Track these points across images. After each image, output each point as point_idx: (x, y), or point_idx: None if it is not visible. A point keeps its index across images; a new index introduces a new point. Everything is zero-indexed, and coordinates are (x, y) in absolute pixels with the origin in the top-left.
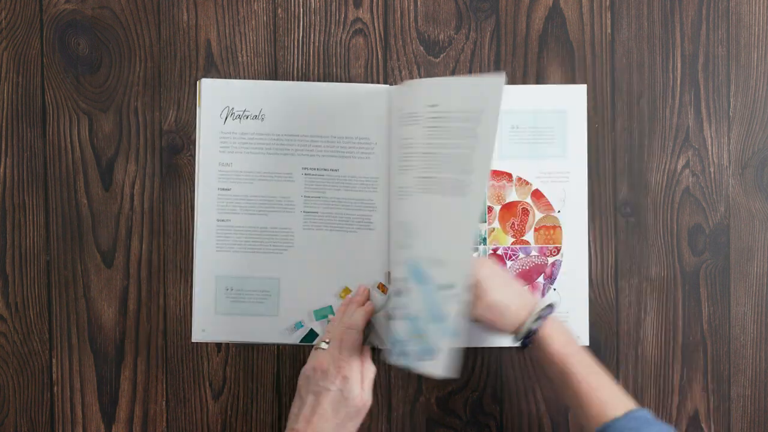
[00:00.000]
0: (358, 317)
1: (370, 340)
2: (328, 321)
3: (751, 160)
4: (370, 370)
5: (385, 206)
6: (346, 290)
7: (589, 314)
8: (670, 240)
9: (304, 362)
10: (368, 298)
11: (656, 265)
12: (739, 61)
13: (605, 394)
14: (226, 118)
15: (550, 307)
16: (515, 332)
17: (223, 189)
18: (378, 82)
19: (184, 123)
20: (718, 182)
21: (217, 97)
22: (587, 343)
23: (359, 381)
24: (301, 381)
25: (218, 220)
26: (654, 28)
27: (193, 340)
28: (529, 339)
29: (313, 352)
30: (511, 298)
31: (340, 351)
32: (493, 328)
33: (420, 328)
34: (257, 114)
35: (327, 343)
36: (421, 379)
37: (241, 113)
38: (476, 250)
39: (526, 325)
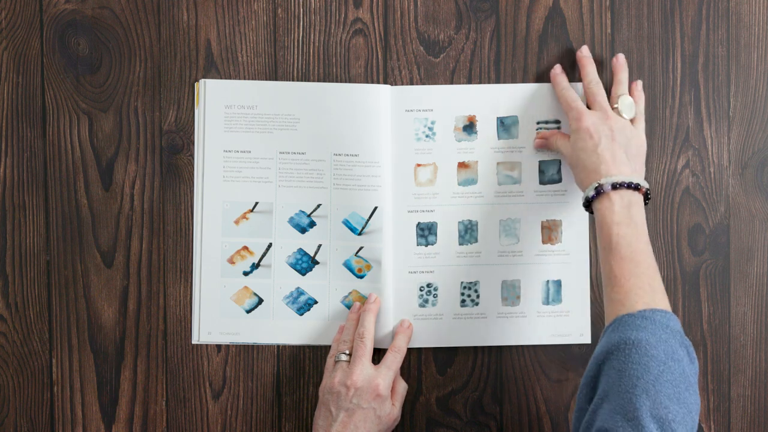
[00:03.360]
0: (371, 326)
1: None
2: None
3: (751, 160)
4: (403, 386)
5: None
6: (356, 295)
7: (590, 314)
8: (670, 240)
9: (304, 362)
10: (379, 305)
11: None
12: (739, 61)
13: (633, 284)
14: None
15: (629, 185)
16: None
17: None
18: (378, 82)
19: (184, 123)
20: (718, 182)
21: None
22: (588, 342)
23: (390, 398)
24: (328, 396)
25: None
26: (654, 28)
27: (193, 342)
28: (589, 206)
29: (334, 364)
30: (587, 160)
31: (372, 367)
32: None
33: None
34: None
35: (347, 354)
36: (421, 379)
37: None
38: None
39: (586, 191)
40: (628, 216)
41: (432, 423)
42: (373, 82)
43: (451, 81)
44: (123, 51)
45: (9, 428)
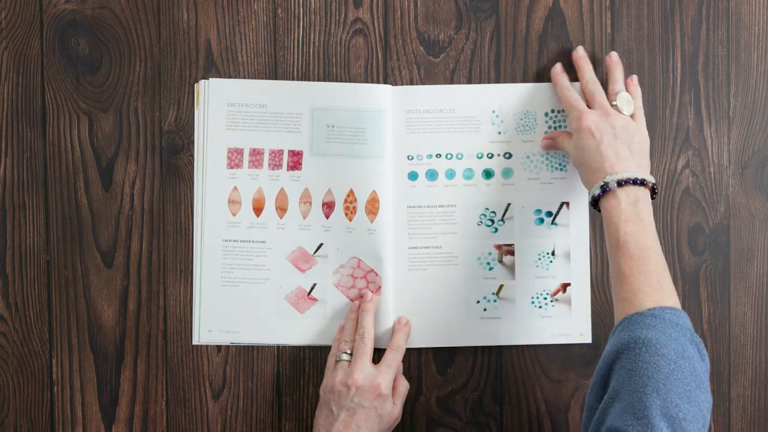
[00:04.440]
0: (371, 325)
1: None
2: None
3: (751, 160)
4: (404, 385)
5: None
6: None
7: (590, 314)
8: (670, 240)
9: (304, 362)
10: (375, 304)
11: None
12: (739, 61)
13: (642, 282)
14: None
15: (634, 181)
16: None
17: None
18: (378, 82)
19: (184, 123)
20: (718, 182)
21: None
22: (589, 341)
23: (392, 397)
24: (329, 395)
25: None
26: (654, 28)
27: (194, 343)
28: (596, 204)
29: (335, 364)
30: (590, 160)
31: (372, 367)
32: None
33: None
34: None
35: (348, 354)
36: (421, 379)
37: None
38: None
39: (592, 189)
40: (635, 213)
41: (432, 423)
42: (373, 82)
43: (451, 81)
44: (123, 51)
45: (9, 428)
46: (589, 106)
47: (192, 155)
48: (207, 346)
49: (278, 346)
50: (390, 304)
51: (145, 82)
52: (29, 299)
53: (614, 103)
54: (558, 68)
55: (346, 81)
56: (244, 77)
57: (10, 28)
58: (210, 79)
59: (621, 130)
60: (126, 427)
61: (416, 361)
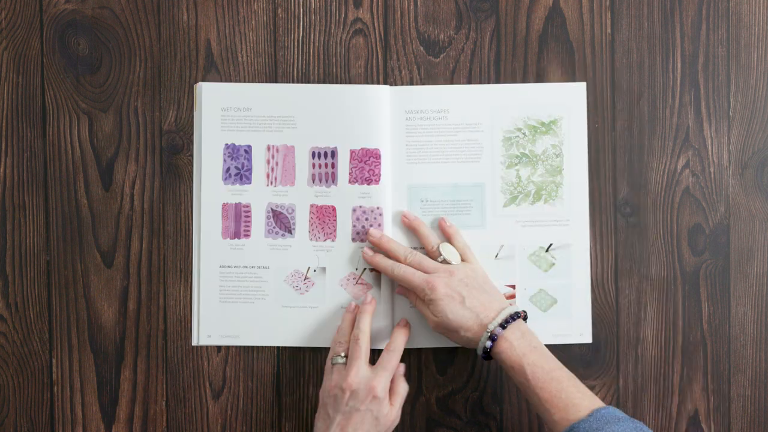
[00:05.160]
0: (367, 327)
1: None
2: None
3: (751, 160)
4: (403, 387)
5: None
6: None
7: (590, 314)
8: (670, 240)
9: (304, 363)
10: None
11: (656, 265)
12: (739, 61)
13: (566, 398)
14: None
15: (512, 317)
16: (476, 347)
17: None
18: (378, 83)
19: (184, 123)
20: (718, 182)
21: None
22: (589, 341)
23: (389, 400)
24: (327, 399)
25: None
26: (654, 28)
27: (194, 344)
28: (488, 354)
29: (332, 367)
30: (464, 319)
31: (368, 369)
32: (455, 342)
33: None
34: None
35: (343, 356)
36: (421, 379)
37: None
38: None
39: (480, 343)
40: (528, 344)
41: (432, 423)
42: (373, 82)
43: (451, 81)
44: (123, 51)
45: (9, 428)
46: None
47: (192, 155)
48: (207, 346)
49: (278, 347)
50: (389, 304)
51: (145, 82)
52: (29, 299)
53: (440, 259)
54: (368, 252)
55: (346, 81)
56: (244, 77)
57: (10, 28)
58: (201, 83)
59: (468, 279)
60: (126, 427)
61: (416, 361)
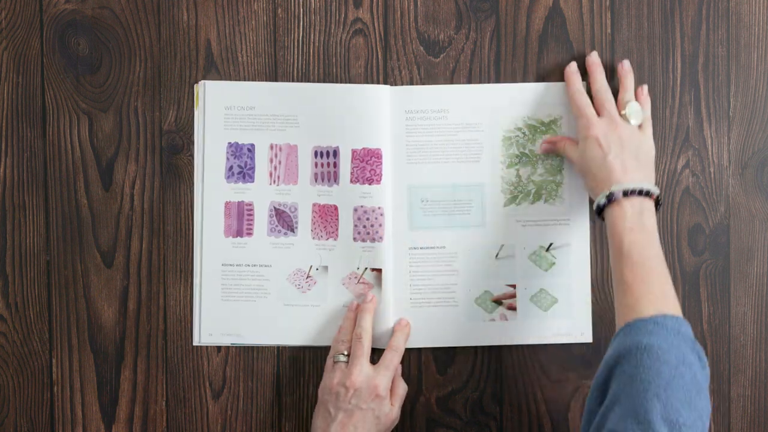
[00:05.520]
0: (369, 325)
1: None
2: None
3: (751, 160)
4: (402, 387)
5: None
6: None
7: (591, 314)
8: (670, 240)
9: (304, 362)
10: (376, 305)
11: None
12: (739, 61)
13: (644, 290)
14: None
15: (641, 192)
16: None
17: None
18: (378, 82)
19: (184, 123)
20: (718, 182)
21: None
22: (590, 341)
23: (390, 398)
24: (328, 396)
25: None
26: (654, 28)
27: (194, 344)
28: (600, 213)
29: (333, 365)
30: (596, 168)
31: (370, 368)
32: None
33: None
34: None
35: (345, 355)
36: (421, 379)
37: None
38: None
39: (598, 198)
40: (639, 222)
41: (432, 423)
42: (373, 82)
43: (451, 81)
44: (123, 51)
45: (9, 428)
46: (598, 113)
47: (192, 155)
48: (207, 346)
49: (278, 347)
50: (390, 304)
51: (145, 82)
52: (29, 299)
53: (623, 112)
54: (573, 67)
55: (346, 81)
56: (244, 77)
57: (10, 28)
58: (204, 81)
59: (628, 140)
60: (126, 427)
61: (416, 361)
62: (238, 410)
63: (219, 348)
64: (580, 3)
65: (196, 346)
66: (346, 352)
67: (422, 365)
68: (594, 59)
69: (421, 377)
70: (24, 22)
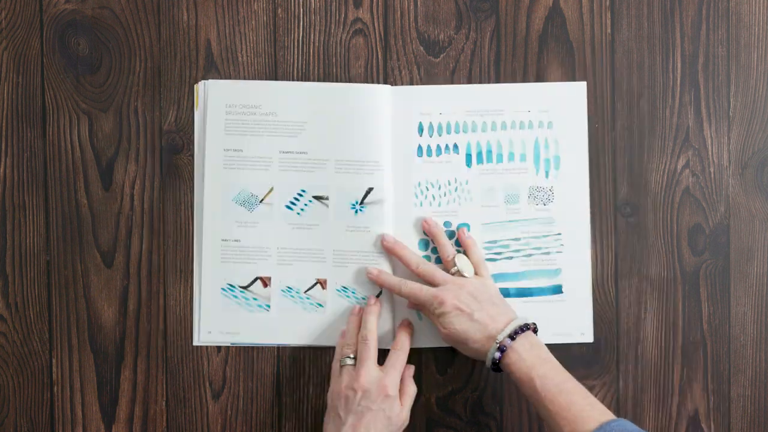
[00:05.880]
0: (374, 327)
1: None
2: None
3: (751, 160)
4: (412, 388)
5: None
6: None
7: (591, 314)
8: (670, 240)
9: (305, 362)
10: (380, 307)
11: (656, 265)
12: (739, 61)
13: (575, 411)
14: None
15: (521, 329)
16: (484, 360)
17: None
18: (378, 82)
19: (184, 123)
20: (718, 182)
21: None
22: (590, 341)
23: (399, 399)
24: (337, 401)
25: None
26: (654, 28)
27: (195, 344)
28: (497, 366)
29: (340, 369)
30: (472, 331)
31: (378, 369)
32: (465, 353)
33: None
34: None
35: (352, 358)
36: (421, 379)
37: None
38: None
39: (489, 354)
40: (537, 356)
41: (432, 423)
42: (373, 82)
43: (451, 81)
44: (123, 51)
45: (9, 428)
46: (433, 285)
47: (192, 155)
48: (207, 346)
49: (278, 347)
50: (390, 305)
51: (145, 82)
52: (29, 299)
53: (454, 270)
54: (373, 271)
55: (346, 81)
56: (244, 77)
57: (10, 28)
58: (207, 80)
59: (478, 292)
60: (126, 427)
61: (416, 361)
62: (238, 410)
63: (219, 348)
64: (580, 3)
65: (196, 346)
66: (352, 355)
67: (422, 365)
68: (389, 243)
69: (421, 377)
70: (24, 22)
